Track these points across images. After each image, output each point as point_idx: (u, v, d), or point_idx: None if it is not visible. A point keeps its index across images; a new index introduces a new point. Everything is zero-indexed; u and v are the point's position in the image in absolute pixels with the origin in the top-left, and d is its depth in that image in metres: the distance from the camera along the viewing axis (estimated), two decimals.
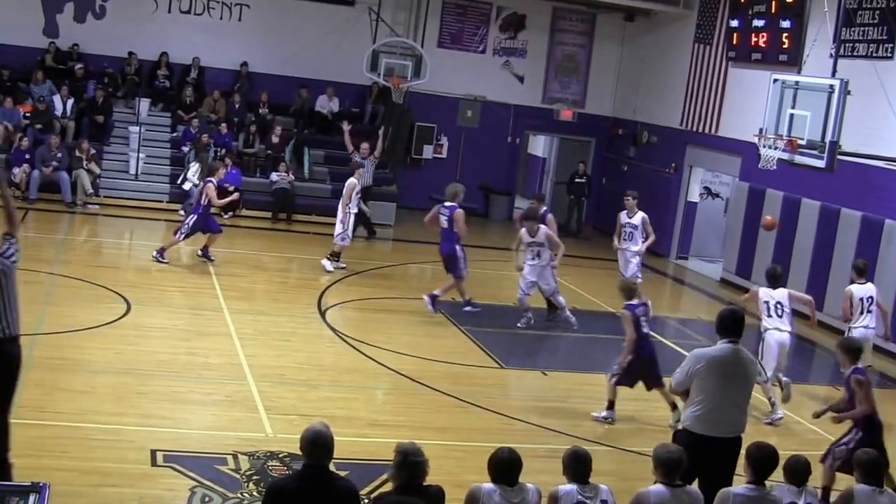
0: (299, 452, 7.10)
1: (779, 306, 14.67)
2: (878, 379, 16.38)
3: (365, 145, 23.33)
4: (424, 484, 7.28)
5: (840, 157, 19.48)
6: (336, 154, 27.03)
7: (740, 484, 8.24)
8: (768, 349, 14.87)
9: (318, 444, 7.00)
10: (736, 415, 9.36)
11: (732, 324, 9.42)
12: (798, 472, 8.38)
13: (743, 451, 8.55)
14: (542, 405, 13.91)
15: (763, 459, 8.10)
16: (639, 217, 20.07)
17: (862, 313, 15.92)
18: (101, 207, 23.91)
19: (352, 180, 20.35)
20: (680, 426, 9.81)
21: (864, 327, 15.64)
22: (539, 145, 34.87)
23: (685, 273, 25.75)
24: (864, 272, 15.68)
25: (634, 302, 13.80)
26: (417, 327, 17.01)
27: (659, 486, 7.80)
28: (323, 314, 17.02)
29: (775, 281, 14.77)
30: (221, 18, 28.21)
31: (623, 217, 20.31)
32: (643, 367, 13.59)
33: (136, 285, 17.42)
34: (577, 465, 7.83)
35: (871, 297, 15.42)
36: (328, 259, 20.32)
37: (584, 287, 21.85)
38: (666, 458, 7.86)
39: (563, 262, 24.14)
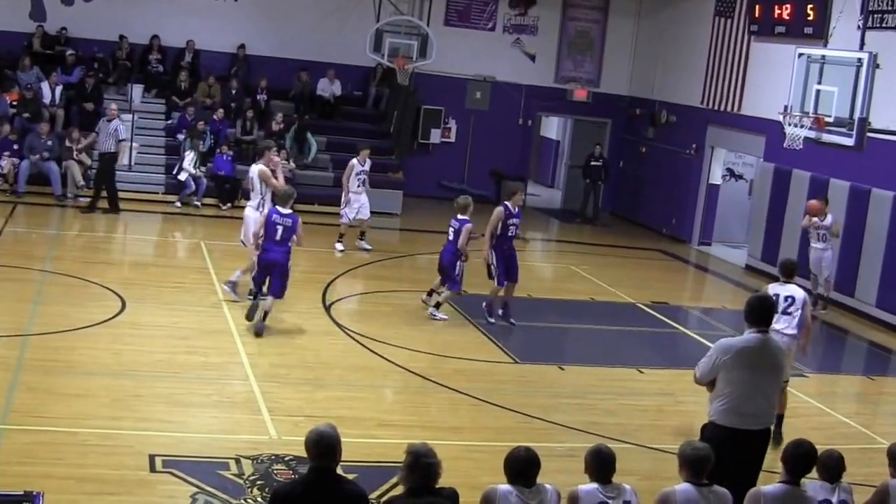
0: (305, 455, 7.07)
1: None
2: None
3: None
4: (437, 486, 7.27)
5: (870, 134, 19.48)
6: (339, 140, 27.02)
7: (768, 479, 8.22)
8: None
9: (322, 445, 6.97)
10: (765, 406, 9.34)
11: (761, 312, 9.39)
12: (831, 467, 8.33)
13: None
14: (559, 402, 13.90)
15: (801, 457, 8.05)
16: None
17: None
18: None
19: (352, 161, 21.58)
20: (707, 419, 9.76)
21: (776, 331, 14.56)
22: (552, 127, 34.83)
23: (708, 260, 25.70)
24: (791, 272, 14.72)
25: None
26: (427, 322, 16.99)
27: (685, 486, 7.77)
28: (328, 309, 17.02)
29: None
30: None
31: None
32: None
33: (131, 282, 17.42)
34: (600, 464, 7.80)
35: (792, 298, 14.40)
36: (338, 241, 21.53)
37: (602, 277, 21.81)
38: (693, 457, 7.83)
39: (580, 250, 24.35)
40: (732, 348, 9.34)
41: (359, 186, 21.67)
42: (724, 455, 8.29)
